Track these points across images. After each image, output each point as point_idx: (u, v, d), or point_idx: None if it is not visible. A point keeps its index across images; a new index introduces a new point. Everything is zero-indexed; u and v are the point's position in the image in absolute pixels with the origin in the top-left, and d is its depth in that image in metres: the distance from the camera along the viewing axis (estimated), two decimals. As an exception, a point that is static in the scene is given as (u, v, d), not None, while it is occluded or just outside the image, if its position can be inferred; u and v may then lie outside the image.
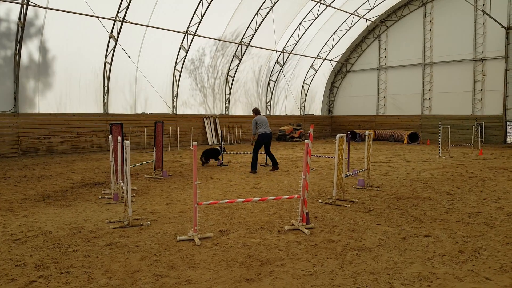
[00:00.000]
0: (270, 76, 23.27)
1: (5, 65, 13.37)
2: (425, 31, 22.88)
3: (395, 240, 4.49)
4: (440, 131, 13.83)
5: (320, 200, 6.60)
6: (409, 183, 8.40)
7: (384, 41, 24.94)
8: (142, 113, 17.52)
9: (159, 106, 18.04)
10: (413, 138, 20.94)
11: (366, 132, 7.75)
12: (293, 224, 5.03)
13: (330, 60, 25.72)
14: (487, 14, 19.14)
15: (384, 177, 9.14)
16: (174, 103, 18.63)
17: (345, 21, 23.10)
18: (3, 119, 13.37)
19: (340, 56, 26.02)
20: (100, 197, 6.92)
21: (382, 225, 5.14)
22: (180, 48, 17.92)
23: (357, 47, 26.21)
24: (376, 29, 25.00)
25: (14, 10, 12.94)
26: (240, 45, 20.10)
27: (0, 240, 4.56)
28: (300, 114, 25.99)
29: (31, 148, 14.12)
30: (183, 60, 18.24)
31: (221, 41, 19.33)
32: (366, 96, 25.92)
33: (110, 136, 6.82)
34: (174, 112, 18.65)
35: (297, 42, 22.43)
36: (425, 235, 4.68)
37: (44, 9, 13.33)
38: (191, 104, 19.64)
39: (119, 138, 6.39)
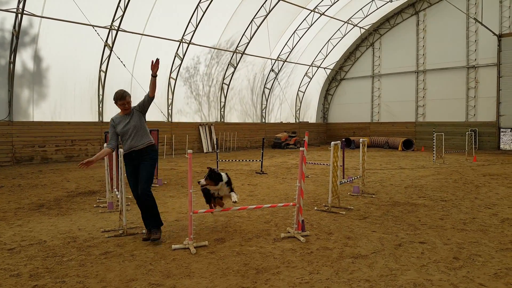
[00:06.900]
0: (265, 84, 23.40)
1: (0, 74, 13.33)
2: (418, 39, 23.20)
3: (390, 247, 4.51)
4: (434, 138, 13.96)
5: (315, 208, 6.61)
6: (404, 190, 8.44)
7: (377, 49, 25.23)
8: (138, 121, 17.48)
9: (154, 114, 18.01)
10: (408, 145, 21.07)
11: (361, 139, 7.79)
12: (289, 232, 5.03)
13: (324, 68, 25.95)
14: (479, 22, 19.47)
15: (379, 184, 9.18)
16: (169, 111, 18.64)
17: (339, 29, 23.37)
18: (-3, 127, 13.30)
19: (334, 64, 26.27)
20: (95, 205, 6.88)
21: (377, 232, 5.16)
22: (175, 56, 18.00)
23: (351, 55, 26.48)
24: (370, 37, 25.30)
25: (9, 19, 12.94)
26: (235, 53, 20.23)
27: (-7, 250, 4.51)
28: (295, 121, 26.10)
29: (25, 156, 14.02)
30: (178, 68, 18.30)
31: (216, 49, 19.44)
32: (361, 104, 26.13)
33: (105, 145, 6.81)
34: (169, 120, 18.64)
35: (291, 50, 22.63)
36: (420, 242, 4.70)
37: (39, 17, 13.35)
38: (186, 112, 19.66)
39: (114, 146, 6.37)
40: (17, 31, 13.00)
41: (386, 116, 24.92)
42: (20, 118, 13.95)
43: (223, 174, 5.16)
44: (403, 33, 23.84)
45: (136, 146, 4.74)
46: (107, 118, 16.36)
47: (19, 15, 12.79)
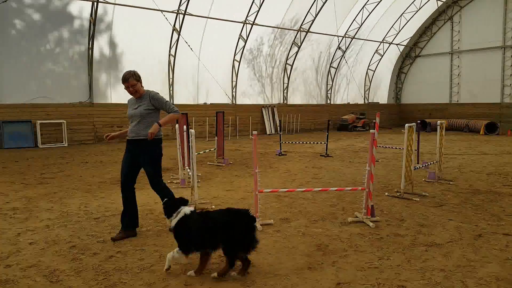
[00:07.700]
0: (331, 63, 22.60)
1: (80, 60, 14.62)
2: (506, 10, 20.45)
3: (468, 237, 4.18)
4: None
5: (386, 193, 6.32)
6: (486, 177, 7.71)
7: (457, 23, 22.83)
8: (204, 103, 18.13)
9: (219, 96, 18.49)
10: (491, 128, 19.10)
11: (438, 122, 7.22)
12: (357, 217, 4.89)
13: (397, 44, 24.24)
14: None
15: (457, 170, 8.49)
16: (234, 93, 18.98)
17: (413, 2, 21.53)
18: (80, 109, 14.69)
19: (408, 40, 24.37)
20: (168, 181, 7.31)
21: (455, 220, 4.80)
22: (239, 38, 18.12)
23: (426, 30, 24.34)
24: (448, 10, 22.95)
25: (86, 8, 14.03)
26: (299, 32, 19.75)
27: (83, 218, 5.08)
28: (364, 102, 24.94)
29: (106, 135, 15.36)
30: (242, 50, 18.43)
31: (280, 29, 19.15)
32: (438, 83, 24.02)
33: (177, 125, 7.20)
34: (234, 102, 19.01)
35: (360, 26, 21.43)
36: (504, 234, 4.29)
37: (112, 5, 14.25)
38: (250, 94, 19.85)
39: (184, 127, 6.70)
40: (93, 19, 14.07)
41: (467, 96, 22.66)
42: (99, 100, 15.25)
43: (186, 209, 3.27)
44: (487, 4, 21.14)
45: (136, 134, 4.31)
46: (176, 100, 17.19)
47: (95, 3, 13.79)
